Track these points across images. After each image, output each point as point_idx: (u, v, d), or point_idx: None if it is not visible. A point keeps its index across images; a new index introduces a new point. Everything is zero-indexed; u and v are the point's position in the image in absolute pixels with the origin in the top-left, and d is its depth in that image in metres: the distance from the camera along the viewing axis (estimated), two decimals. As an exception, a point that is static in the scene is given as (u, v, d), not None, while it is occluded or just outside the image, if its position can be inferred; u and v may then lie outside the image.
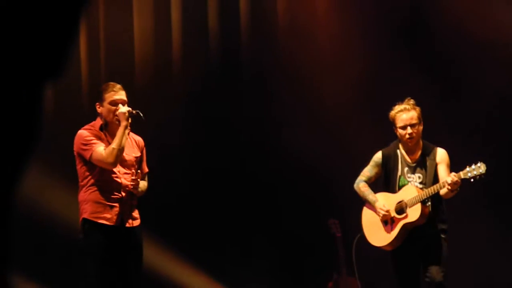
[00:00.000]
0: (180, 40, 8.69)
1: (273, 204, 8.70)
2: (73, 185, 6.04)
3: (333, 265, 8.50)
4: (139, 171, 5.90)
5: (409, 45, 8.72)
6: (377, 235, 6.40)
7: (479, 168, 6.11)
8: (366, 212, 6.50)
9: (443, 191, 6.15)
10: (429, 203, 6.25)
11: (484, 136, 8.50)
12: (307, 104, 8.79)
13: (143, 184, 5.97)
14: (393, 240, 6.31)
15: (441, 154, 6.38)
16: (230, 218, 8.59)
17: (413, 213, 6.24)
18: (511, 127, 8.47)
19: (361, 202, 6.48)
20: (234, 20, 8.89)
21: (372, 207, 6.42)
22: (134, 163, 5.93)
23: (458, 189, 6.12)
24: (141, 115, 5.81)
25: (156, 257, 7.88)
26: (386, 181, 6.43)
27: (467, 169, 6.12)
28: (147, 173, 6.09)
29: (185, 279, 8.31)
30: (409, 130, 6.29)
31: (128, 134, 5.90)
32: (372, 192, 6.42)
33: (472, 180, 6.14)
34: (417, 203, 6.22)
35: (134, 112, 5.79)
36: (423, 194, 6.21)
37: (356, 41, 8.80)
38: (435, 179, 6.29)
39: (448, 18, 8.57)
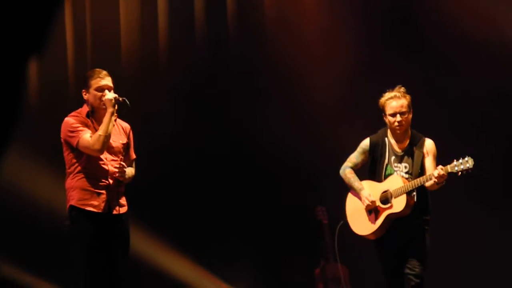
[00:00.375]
0: (166, 31, 8.73)
1: (261, 192, 8.73)
2: (60, 172, 6.05)
3: (320, 252, 8.55)
4: (122, 157, 5.92)
5: (401, 41, 8.71)
6: (361, 223, 6.39)
7: (466, 163, 6.11)
8: (350, 200, 6.49)
9: (429, 183, 6.17)
10: (415, 194, 6.26)
11: (478, 130, 8.52)
12: (294, 97, 8.81)
13: (130, 171, 6.01)
14: (376, 230, 6.31)
15: (429, 145, 6.39)
16: (218, 205, 8.62)
17: (398, 204, 6.24)
18: (503, 123, 8.47)
19: (348, 189, 6.48)
20: (221, 12, 8.90)
21: (357, 194, 6.41)
22: (121, 149, 5.97)
23: (444, 182, 6.14)
24: (127, 102, 5.84)
25: (143, 244, 7.91)
26: (372, 168, 6.43)
27: (455, 163, 6.12)
28: (135, 159, 6.12)
29: (171, 265, 8.34)
30: (398, 117, 6.28)
31: (115, 120, 5.94)
32: (358, 180, 6.41)
33: (459, 174, 6.14)
34: (402, 194, 6.23)
35: (120, 99, 5.83)
36: (409, 186, 6.22)
37: (345, 36, 8.81)
38: (422, 170, 6.31)
39: (440, 15, 8.57)
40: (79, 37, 8.36)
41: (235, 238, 8.63)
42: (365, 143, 6.45)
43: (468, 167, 6.10)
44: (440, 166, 6.14)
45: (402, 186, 6.23)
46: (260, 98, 8.85)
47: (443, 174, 6.09)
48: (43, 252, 7.71)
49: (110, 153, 5.90)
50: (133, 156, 6.12)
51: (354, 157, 6.47)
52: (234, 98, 8.87)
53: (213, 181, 8.68)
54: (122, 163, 5.88)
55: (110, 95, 5.82)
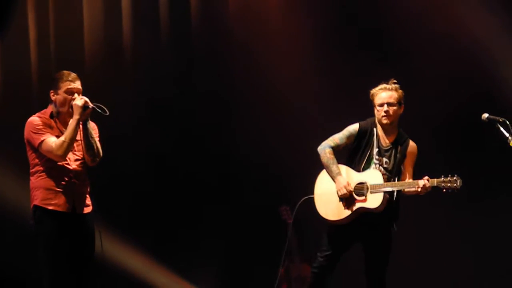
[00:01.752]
0: (130, 25, 8.69)
1: (225, 191, 8.74)
2: (24, 172, 6.01)
3: (285, 252, 8.56)
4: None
5: (365, 34, 8.75)
6: (329, 207, 6.30)
7: (454, 182, 6.15)
8: (322, 180, 6.39)
9: (408, 189, 6.20)
10: (388, 195, 6.24)
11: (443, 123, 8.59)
12: (260, 91, 8.81)
13: (94, 136, 5.91)
14: (344, 219, 6.25)
15: (412, 147, 6.42)
16: (182, 205, 8.63)
17: (374, 200, 6.21)
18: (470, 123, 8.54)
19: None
20: (184, 6, 8.87)
21: (331, 176, 6.30)
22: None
23: (424, 193, 6.19)
24: (99, 110, 5.79)
25: (110, 246, 7.88)
26: (353, 155, 6.37)
27: (443, 179, 6.16)
28: (101, 148, 6.03)
29: (138, 268, 8.33)
30: (385, 107, 6.29)
31: (88, 123, 5.87)
32: (337, 163, 6.32)
33: (444, 191, 6.17)
34: (380, 191, 6.21)
35: (90, 106, 5.79)
36: (389, 185, 6.22)
37: (309, 28, 8.83)
38: (399, 171, 6.33)
39: (407, 13, 8.64)
40: (42, 34, 8.32)
41: (201, 240, 8.64)
42: (354, 127, 6.38)
43: (455, 186, 6.14)
44: (426, 177, 6.16)
45: (382, 184, 6.21)
46: (225, 92, 8.85)
47: (428, 186, 6.14)
48: (8, 252, 7.65)
49: (74, 153, 5.89)
50: (100, 154, 6.06)
51: (338, 139, 6.37)
52: (199, 93, 8.86)
53: (180, 183, 8.67)
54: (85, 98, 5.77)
55: (79, 101, 5.78)
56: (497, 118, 5.90)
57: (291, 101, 8.72)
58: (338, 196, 6.27)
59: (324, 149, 6.34)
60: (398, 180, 6.30)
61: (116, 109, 8.21)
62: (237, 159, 8.80)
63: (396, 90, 6.36)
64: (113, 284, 7.76)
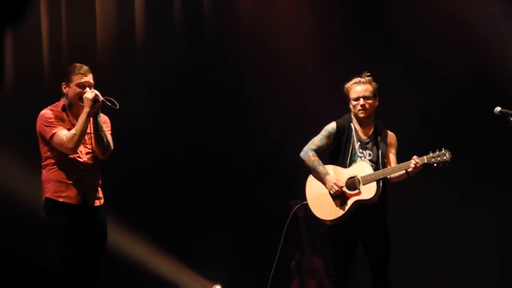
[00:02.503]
0: (142, 17, 8.72)
1: (236, 185, 8.76)
2: (36, 164, 6.05)
3: (296, 245, 8.58)
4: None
5: (374, 31, 8.76)
6: (325, 208, 6.27)
7: (444, 155, 6.15)
8: (311, 183, 6.37)
9: (399, 174, 6.20)
10: (381, 184, 6.25)
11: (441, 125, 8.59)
12: (269, 88, 8.80)
13: (107, 135, 5.96)
14: (342, 215, 6.22)
15: (391, 137, 6.45)
16: (195, 202, 8.64)
17: (368, 191, 6.20)
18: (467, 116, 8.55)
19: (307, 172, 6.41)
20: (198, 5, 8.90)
21: (319, 178, 6.31)
22: None
23: (415, 174, 6.18)
24: (108, 103, 5.83)
25: (121, 239, 7.91)
26: (336, 153, 6.37)
27: (431, 154, 6.16)
28: (112, 139, 6.08)
29: (150, 261, 8.34)
30: (361, 101, 6.30)
31: (99, 116, 5.91)
32: (322, 164, 6.33)
33: (435, 165, 6.17)
34: (372, 181, 6.20)
35: (100, 99, 5.84)
36: (380, 173, 6.21)
37: (320, 22, 8.83)
38: (384, 160, 6.33)
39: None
40: (55, 27, 8.34)
41: (212, 234, 8.66)
42: (332, 126, 6.39)
43: (445, 159, 6.13)
44: (415, 156, 6.16)
45: (373, 173, 6.21)
46: (239, 84, 8.87)
47: (420, 165, 6.13)
48: (20, 244, 7.69)
49: (85, 146, 5.93)
50: (111, 147, 6.09)
51: (318, 140, 6.39)
52: (210, 84, 8.86)
53: (188, 170, 8.69)
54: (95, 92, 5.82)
55: (89, 94, 5.83)
56: (510, 111, 5.89)
57: (301, 96, 8.71)
58: (331, 195, 6.27)
59: (307, 153, 6.36)
60: (382, 168, 6.28)
61: (127, 101, 8.34)
62: (247, 153, 8.79)
63: (370, 82, 6.36)
64: (124, 279, 7.79)
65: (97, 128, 5.87)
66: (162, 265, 8.45)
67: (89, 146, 5.94)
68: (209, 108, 8.86)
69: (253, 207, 8.71)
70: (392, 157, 6.40)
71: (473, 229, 8.35)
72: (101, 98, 5.83)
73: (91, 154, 5.94)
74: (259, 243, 8.58)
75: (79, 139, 5.78)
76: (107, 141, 5.93)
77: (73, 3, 8.50)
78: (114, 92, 6.02)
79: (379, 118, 6.46)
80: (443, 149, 6.17)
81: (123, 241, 8.01)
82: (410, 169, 6.15)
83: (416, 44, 8.52)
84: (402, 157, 6.36)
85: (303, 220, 8.47)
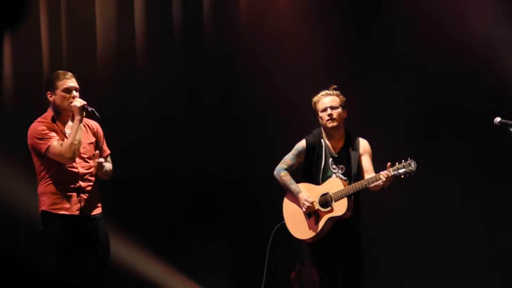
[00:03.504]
0: (143, 30, 8.71)
1: (235, 194, 8.75)
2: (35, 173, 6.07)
3: (296, 255, 8.56)
4: (97, 151, 5.96)
5: (372, 41, 8.78)
6: (300, 227, 6.33)
7: (409, 165, 6.15)
8: (287, 203, 6.42)
9: (372, 185, 6.20)
10: (353, 197, 6.29)
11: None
12: (268, 97, 8.80)
13: (108, 165, 6.07)
14: (318, 234, 6.26)
15: (364, 144, 6.45)
16: (193, 208, 8.64)
17: (340, 207, 6.23)
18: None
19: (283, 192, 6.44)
20: (197, 10, 8.89)
21: (294, 197, 6.35)
22: (89, 149, 6.01)
23: (390, 184, 6.17)
24: (97, 114, 5.88)
25: (117, 246, 7.90)
26: (308, 171, 6.40)
27: (397, 165, 6.17)
28: (109, 154, 6.18)
29: (146, 268, 8.34)
30: (329, 111, 6.31)
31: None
32: (294, 182, 6.37)
33: (402, 177, 6.17)
34: (343, 197, 6.22)
35: (89, 109, 5.89)
36: (350, 189, 6.22)
37: (319, 33, 8.85)
38: (359, 171, 6.36)
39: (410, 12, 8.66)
40: (54, 39, 8.36)
41: (211, 242, 8.65)
42: (301, 144, 6.42)
43: (411, 169, 6.13)
44: (385, 172, 6.14)
45: (343, 189, 6.23)
46: (235, 100, 8.88)
47: (390, 177, 6.12)
48: (19, 256, 7.67)
49: (79, 156, 5.93)
50: (107, 151, 6.19)
51: (289, 159, 6.43)
52: (208, 99, 8.87)
53: (189, 184, 8.68)
54: (100, 159, 5.89)
55: (78, 102, 5.85)
56: (510, 122, 5.90)
57: (299, 106, 8.72)
58: (305, 213, 6.30)
59: (279, 173, 6.42)
60: (357, 179, 6.29)
61: (128, 112, 8.35)
62: (246, 161, 8.79)
63: (337, 95, 6.39)
64: (119, 285, 7.80)
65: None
66: (161, 273, 8.45)
67: (83, 155, 5.94)
68: (207, 117, 8.87)
69: (252, 216, 8.71)
70: (367, 164, 6.39)
71: (469, 239, 8.38)
72: (90, 108, 5.86)
73: (86, 163, 5.94)
74: (258, 251, 8.60)
75: (76, 148, 5.79)
76: (108, 172, 6.00)
77: (72, 11, 8.50)
78: (114, 101, 6.04)
79: (377, 121, 6.49)
80: (408, 159, 6.18)
81: (121, 249, 8.01)
82: (380, 182, 6.16)
83: (416, 47, 8.56)
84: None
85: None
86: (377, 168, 6.35)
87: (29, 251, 7.53)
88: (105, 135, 6.18)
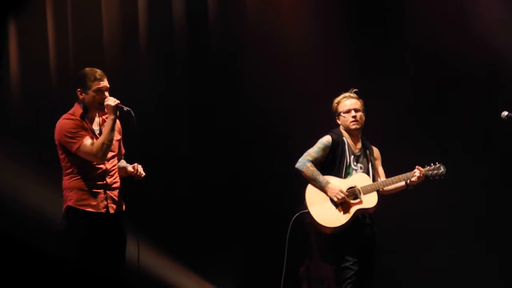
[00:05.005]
0: (146, 26, 8.70)
1: (244, 190, 8.75)
2: (41, 166, 6.02)
3: (305, 251, 8.58)
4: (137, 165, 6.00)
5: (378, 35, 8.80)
6: (327, 215, 6.45)
7: (439, 168, 6.46)
8: (311, 191, 6.52)
9: (395, 185, 6.50)
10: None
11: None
12: (272, 96, 8.81)
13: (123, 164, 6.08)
14: (345, 223, 6.42)
15: (377, 151, 6.75)
16: (201, 206, 8.63)
17: (370, 200, 6.46)
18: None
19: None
20: (201, 11, 8.93)
21: (319, 187, 6.47)
22: (117, 147, 6.04)
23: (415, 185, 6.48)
24: (132, 113, 5.88)
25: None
26: (331, 165, 6.56)
27: (428, 167, 6.46)
28: (124, 154, 6.20)
29: (154, 265, 8.30)
30: (353, 113, 6.55)
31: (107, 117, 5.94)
32: (321, 174, 6.50)
33: (431, 178, 6.48)
34: (372, 191, 6.46)
35: (124, 108, 5.87)
36: (380, 184, 6.48)
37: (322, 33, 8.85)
38: (374, 172, 6.61)
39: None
40: (61, 34, 8.33)
41: (219, 238, 8.66)
42: (327, 139, 6.59)
43: (441, 172, 6.45)
44: (418, 167, 6.47)
45: (372, 184, 6.47)
46: (240, 93, 8.90)
47: (423, 175, 6.44)
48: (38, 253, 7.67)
49: (110, 150, 5.93)
50: (123, 151, 6.20)
51: (315, 152, 6.56)
52: (212, 93, 8.88)
53: (196, 184, 8.66)
54: (141, 171, 5.92)
55: (111, 101, 5.84)
56: None
57: (303, 104, 8.73)
58: (335, 202, 6.44)
59: (305, 164, 6.52)
60: (373, 180, 6.57)
61: (137, 108, 8.34)
62: (256, 162, 8.81)
63: (358, 98, 6.63)
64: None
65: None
66: (168, 270, 8.43)
67: (112, 152, 5.94)
68: (212, 113, 8.86)
69: (262, 211, 8.71)
70: (380, 170, 6.69)
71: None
72: (125, 108, 5.85)
73: (112, 161, 5.96)
74: (267, 246, 8.60)
75: (108, 148, 5.81)
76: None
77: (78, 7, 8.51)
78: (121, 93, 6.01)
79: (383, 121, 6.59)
80: (437, 162, 6.49)
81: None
82: (413, 178, 6.43)
83: (419, 42, 8.64)
84: (399, 166, 6.57)
85: (311, 226, 8.44)
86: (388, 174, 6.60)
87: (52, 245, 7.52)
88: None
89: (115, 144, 5.98)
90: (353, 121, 6.53)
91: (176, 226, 8.57)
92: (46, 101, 8.16)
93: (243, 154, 8.84)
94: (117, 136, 6.02)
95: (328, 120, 6.82)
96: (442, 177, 6.45)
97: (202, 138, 8.81)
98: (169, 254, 8.40)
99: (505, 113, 6.07)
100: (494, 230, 8.43)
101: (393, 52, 8.76)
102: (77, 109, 5.92)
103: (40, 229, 7.54)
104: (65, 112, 5.95)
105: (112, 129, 5.80)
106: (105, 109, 5.85)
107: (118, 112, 5.83)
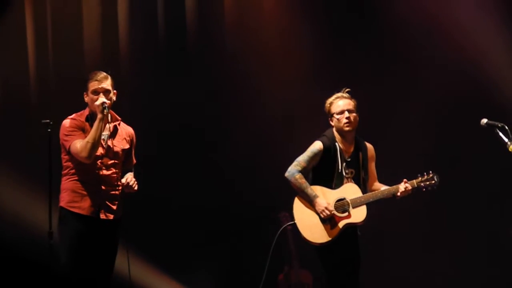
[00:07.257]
0: (127, 33, 8.74)
1: (223, 198, 8.80)
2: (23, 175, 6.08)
3: (284, 258, 8.61)
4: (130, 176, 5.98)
5: (359, 42, 8.88)
6: (314, 230, 6.30)
7: (432, 179, 6.32)
8: (299, 204, 6.39)
9: (387, 196, 6.36)
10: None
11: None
12: (248, 102, 8.89)
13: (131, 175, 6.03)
14: (333, 239, 6.28)
15: (371, 150, 6.57)
16: (179, 212, 8.68)
17: (358, 215, 6.29)
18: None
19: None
20: (180, 11, 8.95)
21: (307, 200, 6.32)
22: (121, 155, 6.03)
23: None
24: (106, 110, 5.86)
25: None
26: (322, 174, 6.40)
27: (420, 178, 6.33)
28: (135, 165, 6.19)
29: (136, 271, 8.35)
30: (346, 114, 6.38)
31: (119, 124, 6.02)
32: (309, 185, 6.35)
33: (423, 190, 6.34)
34: (361, 204, 6.30)
35: (106, 107, 5.86)
36: (369, 197, 6.31)
37: (303, 37, 8.91)
38: (366, 176, 6.46)
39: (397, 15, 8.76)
40: (41, 42, 8.38)
41: (197, 245, 8.71)
42: (318, 147, 6.41)
43: (433, 183, 6.31)
44: (405, 180, 6.31)
45: (362, 196, 6.32)
46: (218, 101, 8.96)
47: (409, 189, 6.28)
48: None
49: (110, 157, 5.97)
50: (134, 161, 6.21)
51: (304, 161, 6.39)
52: (192, 103, 8.92)
53: (173, 188, 8.73)
54: (132, 184, 5.91)
55: (99, 100, 5.87)
56: (496, 123, 5.98)
57: (280, 108, 8.79)
58: (321, 218, 6.29)
59: (293, 175, 6.36)
60: (364, 184, 6.41)
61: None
62: (237, 166, 8.84)
63: (351, 98, 6.47)
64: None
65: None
66: (147, 276, 8.47)
67: (113, 160, 5.96)
68: (198, 116, 8.91)
69: (240, 217, 8.77)
70: (373, 169, 6.52)
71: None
72: (107, 103, 5.82)
73: (112, 168, 5.97)
74: (245, 253, 8.66)
75: (93, 147, 5.79)
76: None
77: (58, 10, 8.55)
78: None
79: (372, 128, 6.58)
80: (430, 172, 6.34)
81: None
82: (399, 193, 6.30)
83: (408, 47, 8.73)
84: (394, 176, 6.50)
85: (291, 233, 8.50)
86: (388, 174, 6.54)
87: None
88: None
89: (120, 151, 5.99)
90: (346, 122, 6.35)
91: (162, 236, 8.64)
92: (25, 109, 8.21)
93: (229, 159, 8.91)
94: (124, 145, 6.05)
95: (314, 122, 6.79)
96: (435, 187, 6.32)
97: (185, 141, 8.85)
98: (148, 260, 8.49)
99: (484, 120, 6.09)
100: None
101: (381, 56, 8.83)
102: (85, 111, 6.00)
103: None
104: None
105: (98, 128, 5.79)
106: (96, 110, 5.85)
107: (105, 112, 5.82)
